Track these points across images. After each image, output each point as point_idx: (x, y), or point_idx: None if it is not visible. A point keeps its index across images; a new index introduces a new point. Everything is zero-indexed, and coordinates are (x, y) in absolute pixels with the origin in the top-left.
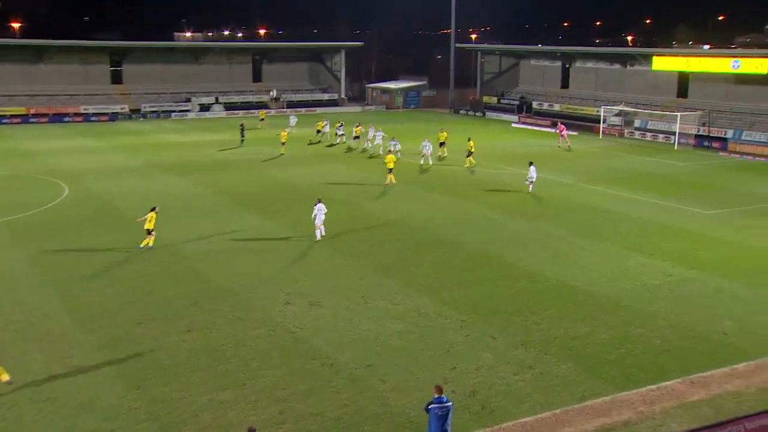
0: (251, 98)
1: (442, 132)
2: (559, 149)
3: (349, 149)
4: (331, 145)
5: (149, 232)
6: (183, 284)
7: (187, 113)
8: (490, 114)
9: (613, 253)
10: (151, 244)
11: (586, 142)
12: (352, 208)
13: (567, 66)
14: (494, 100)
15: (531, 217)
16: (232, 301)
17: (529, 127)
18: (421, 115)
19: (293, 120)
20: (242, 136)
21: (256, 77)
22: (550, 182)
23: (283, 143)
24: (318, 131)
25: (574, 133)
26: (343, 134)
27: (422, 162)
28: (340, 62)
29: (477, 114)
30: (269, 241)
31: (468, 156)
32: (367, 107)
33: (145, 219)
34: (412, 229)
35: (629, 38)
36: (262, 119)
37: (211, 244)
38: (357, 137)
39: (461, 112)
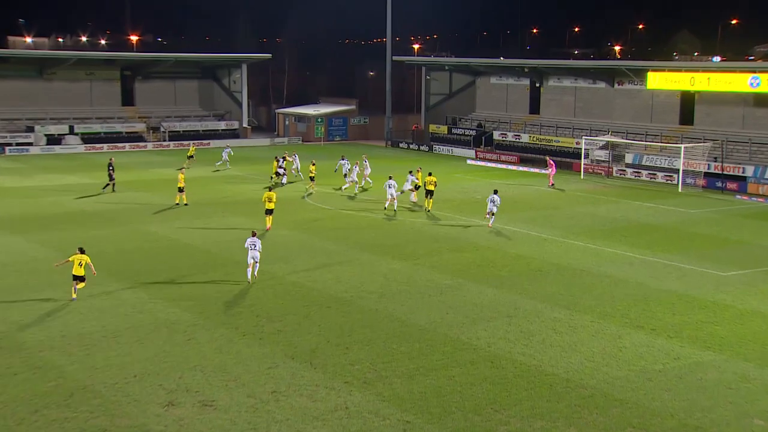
0: (120, 127)
1: (428, 175)
2: (552, 190)
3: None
4: (275, 186)
5: None
6: (21, 385)
7: (28, 148)
8: (438, 147)
9: (602, 329)
10: None
11: (564, 182)
12: (261, 273)
13: (537, 85)
14: (444, 129)
15: (495, 282)
16: (92, 404)
17: (490, 165)
18: (350, 149)
19: (227, 153)
20: (111, 179)
21: (127, 99)
22: (519, 236)
23: (181, 188)
24: (276, 173)
25: (547, 171)
26: (284, 173)
27: (387, 206)
28: (240, 80)
29: (422, 148)
30: (144, 318)
31: (427, 196)
32: (278, 139)
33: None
34: (339, 302)
35: (617, 48)
36: (191, 156)
37: (60, 328)
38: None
39: (401, 145)
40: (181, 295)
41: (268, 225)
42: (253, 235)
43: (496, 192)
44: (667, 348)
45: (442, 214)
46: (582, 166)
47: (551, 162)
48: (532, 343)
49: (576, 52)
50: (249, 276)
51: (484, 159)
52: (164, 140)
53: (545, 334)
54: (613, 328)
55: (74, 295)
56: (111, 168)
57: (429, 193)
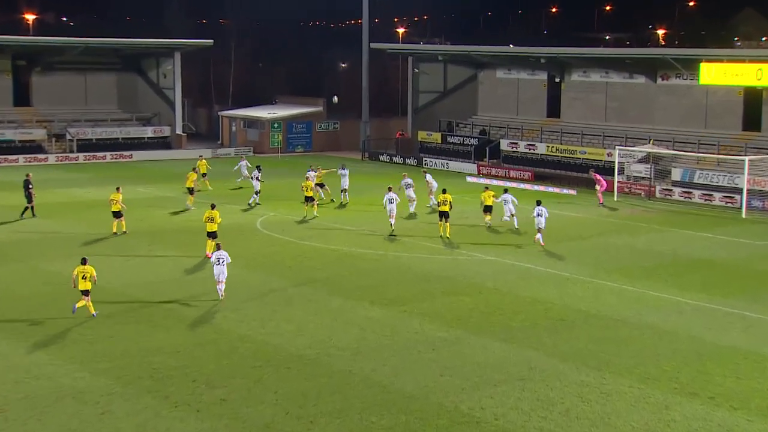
0: (11, 134)
1: (442, 193)
2: (603, 209)
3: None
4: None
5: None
6: None
7: None
8: (429, 160)
9: (643, 397)
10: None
11: (592, 206)
12: (200, 324)
13: (557, 80)
14: (436, 137)
15: (503, 335)
16: None
17: (497, 183)
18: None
19: (245, 167)
20: (29, 200)
21: (21, 98)
22: (535, 274)
23: (116, 213)
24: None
25: (571, 192)
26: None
27: (392, 224)
28: (173, 74)
29: (408, 161)
30: (42, 386)
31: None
32: (221, 150)
33: None
34: (301, 361)
35: (660, 33)
36: (204, 174)
37: None
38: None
39: (381, 158)
40: (92, 354)
41: (209, 252)
42: (218, 248)
43: (539, 203)
44: (730, 423)
45: (434, 247)
46: (615, 184)
47: (598, 177)
48: (552, 414)
49: (607, 37)
50: (220, 293)
51: (488, 176)
52: (71, 151)
53: (569, 402)
54: (659, 396)
55: (93, 311)
56: (29, 186)
57: (443, 216)
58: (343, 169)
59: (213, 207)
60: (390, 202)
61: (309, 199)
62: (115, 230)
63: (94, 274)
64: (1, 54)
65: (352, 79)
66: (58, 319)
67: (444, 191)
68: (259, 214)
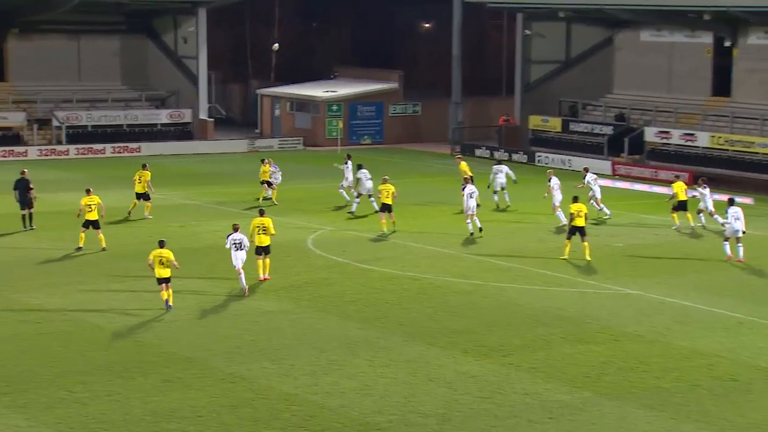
0: None
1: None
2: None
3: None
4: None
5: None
6: None
7: None
8: (545, 157)
9: None
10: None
11: None
12: (231, 378)
13: (728, 44)
14: (555, 124)
15: (650, 400)
16: None
17: (638, 188)
18: (391, 168)
19: (277, 173)
20: (25, 206)
21: None
22: (693, 315)
23: (93, 222)
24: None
25: (746, 201)
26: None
27: (471, 229)
28: (195, 39)
29: (515, 156)
30: None
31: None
32: (260, 142)
33: None
34: None
35: None
36: (265, 182)
37: None
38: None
39: (478, 152)
40: (85, 418)
41: (263, 274)
42: (235, 230)
43: (732, 202)
44: None
45: (551, 275)
46: None
47: None
48: None
49: None
50: (243, 284)
51: (627, 177)
52: (59, 142)
53: None
54: None
55: (171, 302)
56: (29, 186)
57: (576, 232)
58: (359, 168)
59: (262, 213)
60: (470, 197)
61: (386, 208)
62: (81, 244)
63: (173, 258)
64: None
65: (438, 45)
66: (41, 369)
67: (575, 199)
68: (311, 229)
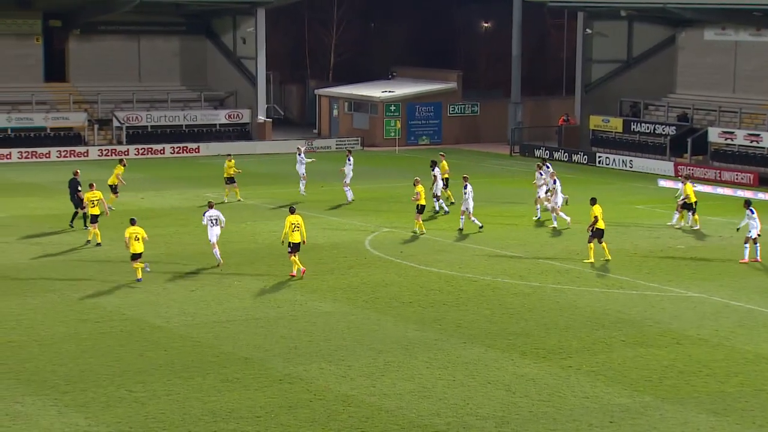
0: (41, 120)
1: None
2: None
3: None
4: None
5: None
6: None
7: None
8: (605, 156)
9: None
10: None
11: None
12: (289, 379)
13: None
14: (616, 124)
15: (713, 404)
16: None
17: (701, 189)
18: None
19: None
20: (79, 205)
21: (54, 70)
22: (762, 319)
23: (93, 217)
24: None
25: None
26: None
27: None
28: (254, 39)
29: (575, 158)
30: None
31: (593, 237)
32: (318, 142)
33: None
34: None
35: None
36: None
37: None
38: None
39: (537, 153)
40: (144, 418)
41: (295, 269)
42: (211, 207)
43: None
44: None
45: (612, 278)
46: None
47: None
48: None
49: None
50: (218, 256)
51: (690, 178)
52: (119, 142)
53: None
54: None
55: (140, 275)
56: (78, 188)
57: (598, 235)
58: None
59: (293, 211)
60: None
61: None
62: (89, 238)
63: (145, 235)
64: (30, 11)
65: (498, 44)
66: (100, 368)
67: (593, 201)
68: (368, 230)
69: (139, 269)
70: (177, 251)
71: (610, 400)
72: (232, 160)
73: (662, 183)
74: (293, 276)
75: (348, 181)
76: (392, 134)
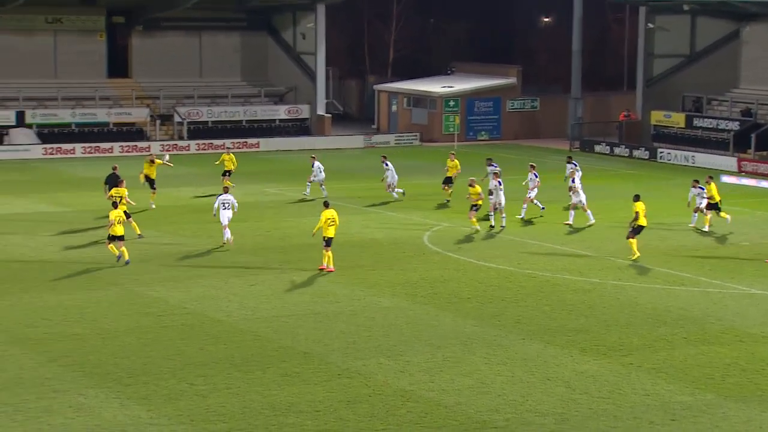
0: (104, 115)
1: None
2: None
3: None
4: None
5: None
6: None
7: None
8: (667, 153)
9: None
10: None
11: None
12: (348, 374)
13: None
14: (678, 119)
15: None
16: None
17: (765, 185)
18: (508, 164)
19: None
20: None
21: (117, 66)
22: None
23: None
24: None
25: None
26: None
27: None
28: (314, 34)
29: (635, 154)
30: None
31: (633, 233)
32: (377, 138)
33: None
34: (486, 431)
35: None
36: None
37: None
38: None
39: (598, 148)
40: (205, 411)
41: (325, 264)
42: (225, 191)
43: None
44: None
45: (674, 274)
46: None
47: None
48: None
49: None
50: (227, 236)
51: (753, 174)
52: (180, 137)
53: None
54: None
55: (127, 257)
56: (119, 182)
57: (638, 231)
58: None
59: (328, 206)
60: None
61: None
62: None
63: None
64: (93, 8)
65: (558, 39)
66: (162, 361)
67: (636, 198)
68: (427, 226)
69: (125, 251)
70: (236, 246)
71: (671, 398)
72: (231, 154)
73: (725, 179)
74: (322, 269)
75: (395, 183)
76: (451, 130)
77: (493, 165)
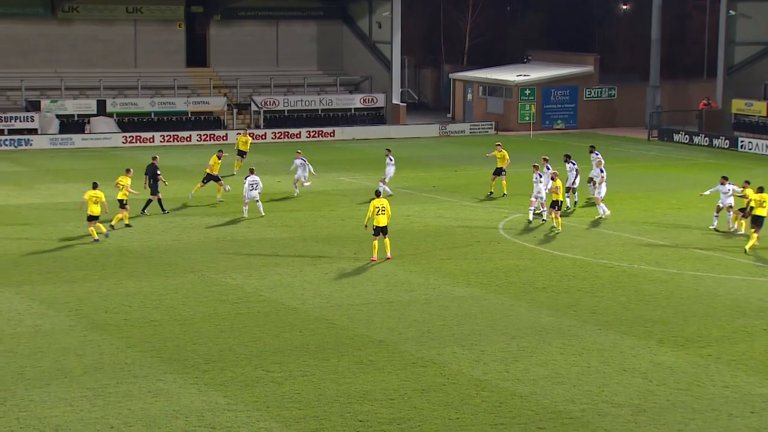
0: (182, 104)
1: (758, 191)
2: None
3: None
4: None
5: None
6: None
7: (30, 138)
8: (748, 142)
9: None
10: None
11: None
12: (422, 363)
13: None
14: (761, 108)
15: None
16: None
17: None
18: (583, 153)
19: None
20: (154, 191)
21: (196, 56)
22: None
23: (120, 202)
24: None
25: None
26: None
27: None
28: (390, 23)
29: (715, 143)
30: None
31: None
32: (452, 127)
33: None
34: (561, 421)
35: None
36: (241, 152)
37: None
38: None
39: (677, 137)
40: (280, 398)
41: (376, 256)
42: (252, 172)
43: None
44: None
45: (755, 265)
46: None
47: None
48: None
49: None
50: (246, 212)
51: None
52: (257, 126)
53: None
54: None
55: (96, 236)
56: (157, 173)
57: (757, 221)
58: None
59: (379, 195)
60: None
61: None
62: (113, 222)
63: (104, 199)
64: None
65: (636, 27)
66: (238, 348)
67: (761, 190)
68: (502, 214)
69: (95, 231)
70: (312, 234)
71: (751, 390)
72: (247, 136)
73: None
74: (374, 260)
75: (387, 180)
76: (527, 119)
77: (595, 153)
